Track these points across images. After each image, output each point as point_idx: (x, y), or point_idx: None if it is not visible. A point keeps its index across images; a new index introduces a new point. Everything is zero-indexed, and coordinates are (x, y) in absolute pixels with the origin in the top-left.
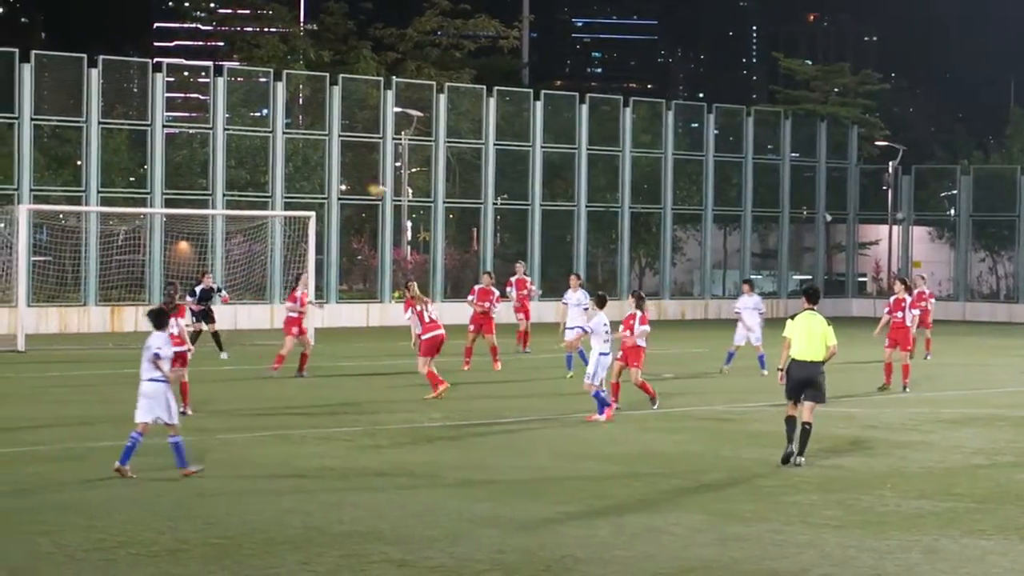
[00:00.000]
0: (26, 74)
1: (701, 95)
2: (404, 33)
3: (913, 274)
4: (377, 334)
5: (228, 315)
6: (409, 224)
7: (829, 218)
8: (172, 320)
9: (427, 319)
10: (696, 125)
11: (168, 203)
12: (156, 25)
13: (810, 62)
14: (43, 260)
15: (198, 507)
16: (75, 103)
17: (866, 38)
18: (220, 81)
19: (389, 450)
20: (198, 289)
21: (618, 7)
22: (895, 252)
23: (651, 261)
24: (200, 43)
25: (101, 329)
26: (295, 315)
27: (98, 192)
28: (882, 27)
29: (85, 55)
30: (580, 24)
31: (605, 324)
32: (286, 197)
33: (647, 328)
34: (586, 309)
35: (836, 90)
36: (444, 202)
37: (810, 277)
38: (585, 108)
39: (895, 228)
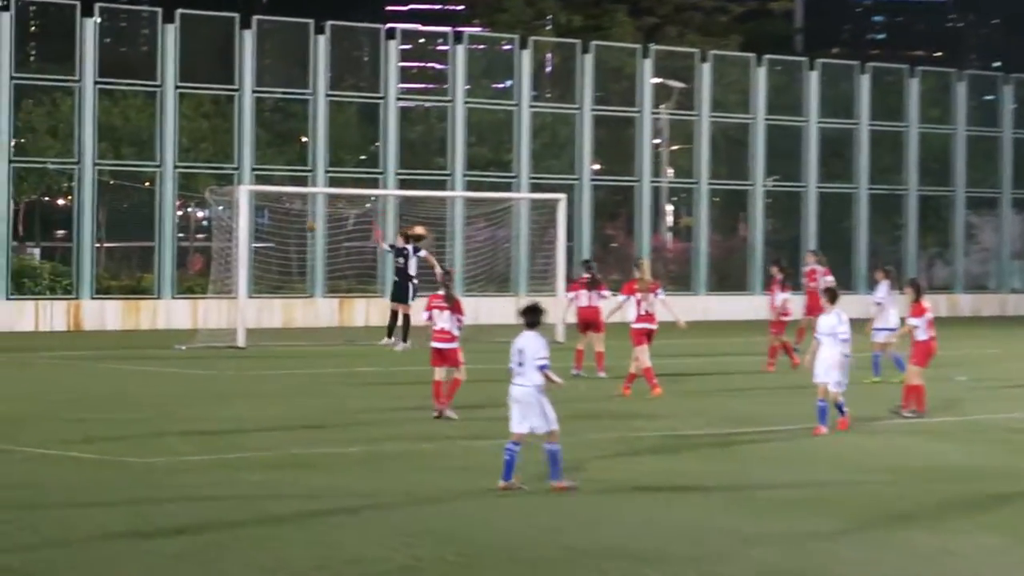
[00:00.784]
0: (247, 42)
1: (997, 64)
2: None
3: None
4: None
5: (469, 308)
6: (670, 208)
7: None
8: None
9: (643, 311)
10: (991, 97)
11: (402, 184)
12: None
13: None
14: (265, 247)
15: (435, 520)
16: (300, 74)
17: None
18: (459, 49)
19: (648, 459)
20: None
21: None
22: None
23: (941, 250)
24: (437, 7)
25: (328, 323)
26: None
27: (325, 172)
28: None
29: (312, 20)
30: None
31: (842, 322)
32: (532, 178)
33: (915, 321)
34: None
35: None
36: (708, 183)
37: None
38: (866, 79)
39: None
